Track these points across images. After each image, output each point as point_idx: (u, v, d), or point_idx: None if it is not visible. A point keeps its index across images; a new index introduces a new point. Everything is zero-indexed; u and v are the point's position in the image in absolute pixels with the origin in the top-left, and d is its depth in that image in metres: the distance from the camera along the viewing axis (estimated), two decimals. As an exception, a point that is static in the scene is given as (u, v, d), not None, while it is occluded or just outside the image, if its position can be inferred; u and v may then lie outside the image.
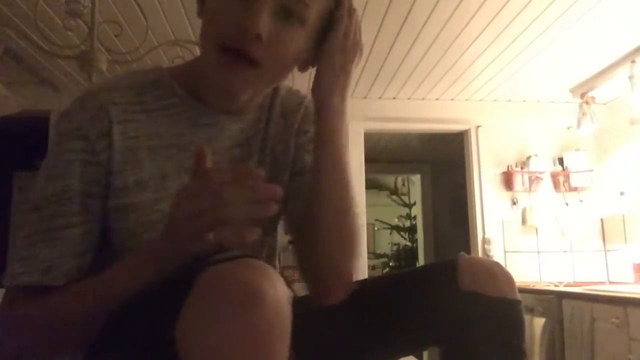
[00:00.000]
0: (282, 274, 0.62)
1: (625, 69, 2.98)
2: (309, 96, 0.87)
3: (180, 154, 0.78)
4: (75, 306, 0.68)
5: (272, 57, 0.72)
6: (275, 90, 0.91)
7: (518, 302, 0.86)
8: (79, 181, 0.72)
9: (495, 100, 3.79)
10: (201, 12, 0.77)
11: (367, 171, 3.79)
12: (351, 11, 0.79)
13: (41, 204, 0.71)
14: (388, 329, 0.91)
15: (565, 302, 2.89)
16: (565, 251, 3.62)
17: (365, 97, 3.74)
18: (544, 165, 3.71)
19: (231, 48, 0.70)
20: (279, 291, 0.55)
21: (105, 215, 0.75)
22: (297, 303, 0.60)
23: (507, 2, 2.43)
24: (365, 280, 1.03)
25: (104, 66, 1.84)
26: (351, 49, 0.80)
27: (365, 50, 3.19)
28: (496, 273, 0.87)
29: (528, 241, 3.64)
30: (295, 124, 0.91)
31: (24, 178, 4.16)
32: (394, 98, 3.75)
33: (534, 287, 3.34)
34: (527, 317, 3.16)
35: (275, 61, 0.73)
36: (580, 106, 3.40)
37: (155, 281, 0.66)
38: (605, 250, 3.61)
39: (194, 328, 0.53)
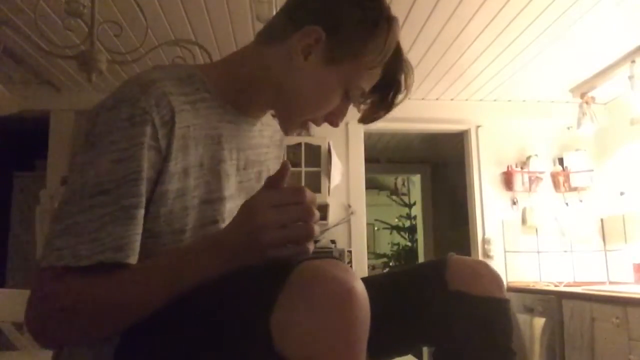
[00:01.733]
0: None
1: (625, 69, 2.98)
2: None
3: (213, 145, 0.83)
4: (138, 289, 0.69)
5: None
6: None
7: (506, 301, 0.88)
8: (146, 164, 0.73)
9: (495, 100, 3.80)
10: (306, 58, 0.83)
11: (367, 171, 3.79)
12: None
13: (110, 185, 0.70)
14: (379, 328, 0.92)
15: (565, 302, 2.89)
16: (565, 251, 3.62)
17: (365, 97, 3.74)
18: (544, 165, 3.71)
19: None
20: (364, 290, 0.61)
21: (150, 201, 0.76)
22: None
23: (506, 3, 2.43)
24: None
25: (104, 66, 1.84)
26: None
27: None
28: (483, 273, 0.89)
29: (528, 241, 3.64)
30: (280, 157, 1.04)
31: (24, 178, 4.16)
32: (394, 98, 3.75)
33: (534, 287, 3.35)
34: (527, 317, 3.17)
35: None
36: (580, 106, 3.40)
37: (217, 276, 0.70)
38: (605, 250, 3.61)
39: (292, 319, 0.58)
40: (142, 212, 0.72)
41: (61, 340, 0.72)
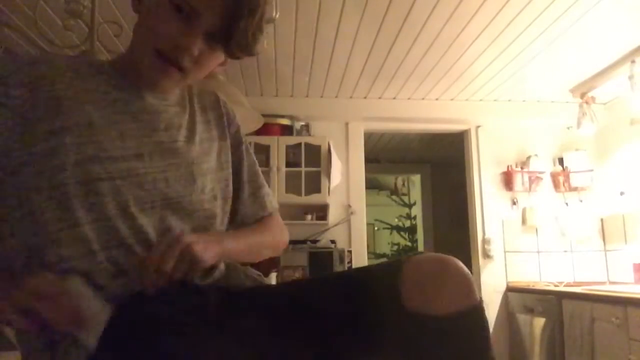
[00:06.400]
0: (281, 273, 0.66)
1: (625, 69, 2.98)
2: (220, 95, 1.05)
3: (107, 108, 0.86)
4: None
5: (197, 68, 0.88)
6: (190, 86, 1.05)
7: (475, 307, 0.75)
8: None
9: (495, 100, 3.80)
10: (138, 9, 0.89)
11: (367, 171, 3.79)
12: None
13: None
14: (335, 340, 0.82)
15: (565, 302, 2.89)
16: (565, 251, 3.62)
17: (365, 97, 3.74)
18: (544, 165, 3.71)
19: (166, 57, 0.84)
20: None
21: (20, 162, 0.79)
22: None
23: (507, 2, 2.43)
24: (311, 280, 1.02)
25: (104, 66, 1.84)
26: None
27: (366, 50, 3.19)
28: (445, 280, 0.75)
29: (528, 241, 3.64)
30: (225, 124, 1.02)
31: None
32: (394, 98, 3.75)
33: (534, 287, 3.35)
34: (527, 317, 3.18)
35: (199, 71, 0.89)
36: (580, 106, 3.40)
37: None
38: (605, 250, 3.62)
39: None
40: None
41: None
